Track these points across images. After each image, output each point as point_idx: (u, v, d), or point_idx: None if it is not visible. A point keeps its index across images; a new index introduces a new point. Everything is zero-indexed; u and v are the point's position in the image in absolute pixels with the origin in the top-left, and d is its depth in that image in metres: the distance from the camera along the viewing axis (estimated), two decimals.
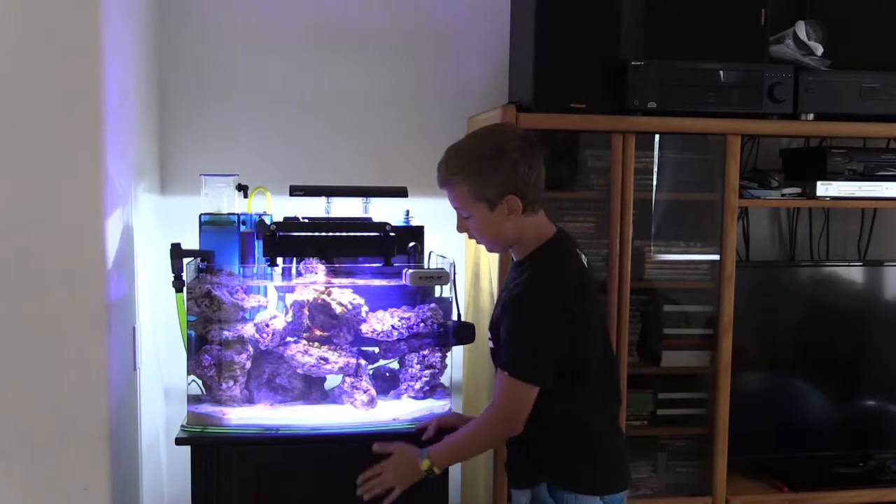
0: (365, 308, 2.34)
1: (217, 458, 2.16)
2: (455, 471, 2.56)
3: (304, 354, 2.27)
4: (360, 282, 2.34)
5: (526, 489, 1.98)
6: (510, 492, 2.12)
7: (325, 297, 2.28)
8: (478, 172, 1.91)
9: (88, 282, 2.07)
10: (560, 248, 1.99)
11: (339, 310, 2.28)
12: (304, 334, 2.30)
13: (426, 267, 2.42)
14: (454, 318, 2.35)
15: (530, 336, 1.89)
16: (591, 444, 1.97)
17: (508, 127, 2.07)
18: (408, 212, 2.51)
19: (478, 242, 2.04)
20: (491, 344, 2.02)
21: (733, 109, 2.49)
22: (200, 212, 2.37)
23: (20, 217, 2.04)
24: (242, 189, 2.43)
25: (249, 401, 2.29)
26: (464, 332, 2.33)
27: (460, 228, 2.02)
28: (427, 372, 2.34)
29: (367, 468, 2.04)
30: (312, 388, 2.36)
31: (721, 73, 2.47)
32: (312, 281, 2.31)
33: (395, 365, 2.44)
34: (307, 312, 2.30)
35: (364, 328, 2.32)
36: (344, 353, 2.29)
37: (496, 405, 1.93)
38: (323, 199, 2.53)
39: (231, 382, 2.24)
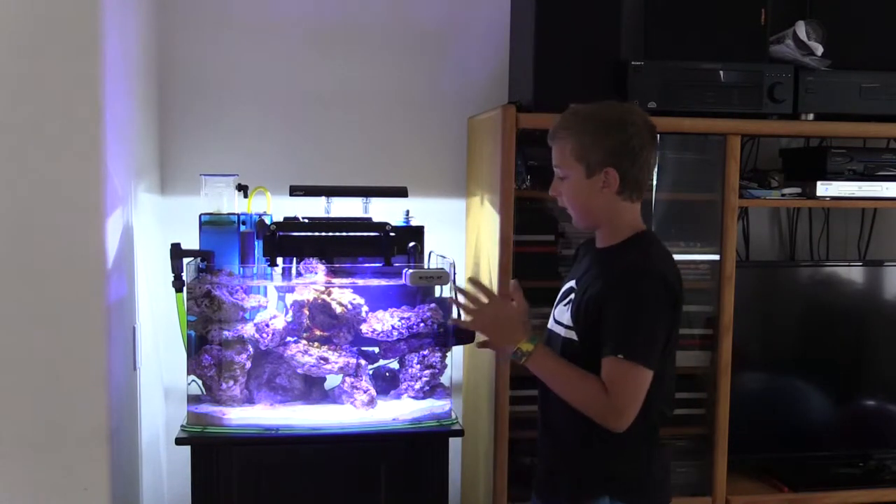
0: (365, 308, 2.34)
1: (217, 458, 2.17)
2: (455, 471, 2.56)
3: (304, 354, 2.27)
4: (360, 282, 2.34)
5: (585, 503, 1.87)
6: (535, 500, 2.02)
7: (325, 297, 2.28)
8: (588, 132, 1.83)
9: (88, 282, 2.07)
10: (660, 242, 1.93)
11: (339, 310, 2.28)
12: (304, 334, 2.30)
13: (426, 267, 2.42)
14: (454, 318, 2.35)
15: (645, 314, 1.78)
16: (655, 455, 1.88)
17: (636, 108, 1.94)
18: (408, 212, 2.51)
19: (567, 210, 1.93)
20: (564, 332, 1.89)
21: (733, 109, 2.49)
22: (200, 212, 2.37)
23: (20, 217, 2.04)
24: (242, 189, 2.44)
25: (249, 401, 2.29)
26: (464, 332, 2.33)
27: (553, 190, 1.93)
28: (427, 372, 2.34)
29: (366, 468, 2.03)
30: (312, 388, 2.36)
31: (721, 73, 2.47)
32: (312, 281, 2.31)
33: (395, 365, 2.44)
34: (307, 312, 2.30)
35: (364, 328, 2.32)
36: (344, 353, 2.29)
37: (614, 394, 1.75)
38: (323, 199, 2.53)
39: (231, 382, 2.24)
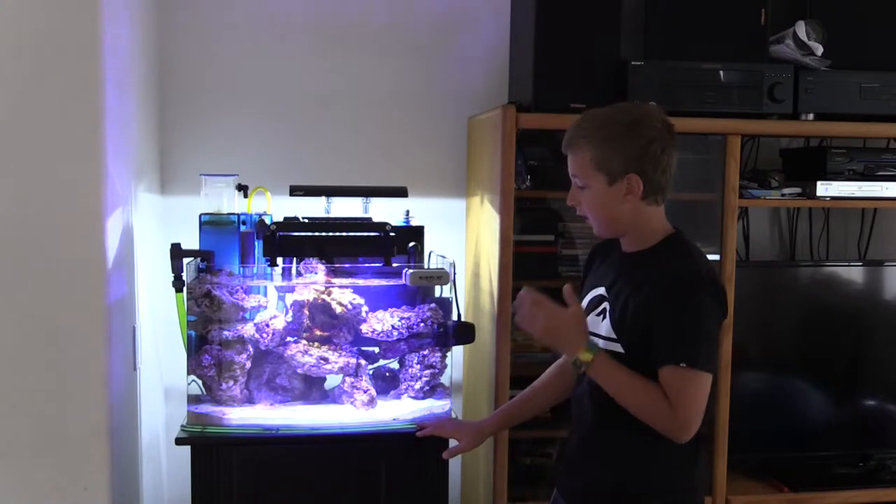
0: (365, 308, 2.34)
1: (217, 458, 2.16)
2: (455, 470, 2.56)
3: (304, 354, 2.27)
4: (360, 282, 2.34)
5: None
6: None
7: (325, 297, 2.28)
8: (606, 139, 1.75)
9: (88, 282, 2.07)
10: (693, 242, 1.85)
11: (339, 310, 2.28)
12: (304, 334, 2.30)
13: (426, 267, 2.42)
14: (454, 318, 2.35)
15: (702, 318, 1.70)
16: (699, 460, 1.83)
17: (652, 108, 1.85)
18: (408, 212, 2.51)
19: (588, 220, 1.86)
20: (604, 344, 1.79)
21: (733, 109, 2.49)
22: (200, 212, 2.37)
23: (20, 217, 2.04)
24: (242, 189, 2.44)
25: (249, 401, 2.29)
26: (464, 332, 2.33)
27: (571, 200, 1.85)
28: (427, 372, 2.34)
29: (366, 468, 2.03)
30: (312, 388, 2.36)
31: (721, 73, 2.47)
32: (312, 281, 2.30)
33: (395, 365, 2.44)
34: (307, 312, 2.30)
35: (364, 328, 2.32)
36: (344, 353, 2.29)
37: (679, 405, 1.68)
38: (323, 199, 2.53)
39: (231, 382, 2.24)
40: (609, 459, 1.84)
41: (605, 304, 1.84)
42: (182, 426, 2.21)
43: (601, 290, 1.87)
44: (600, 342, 1.81)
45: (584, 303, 1.90)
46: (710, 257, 2.58)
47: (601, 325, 1.83)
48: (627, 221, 1.81)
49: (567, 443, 2.00)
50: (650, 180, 1.76)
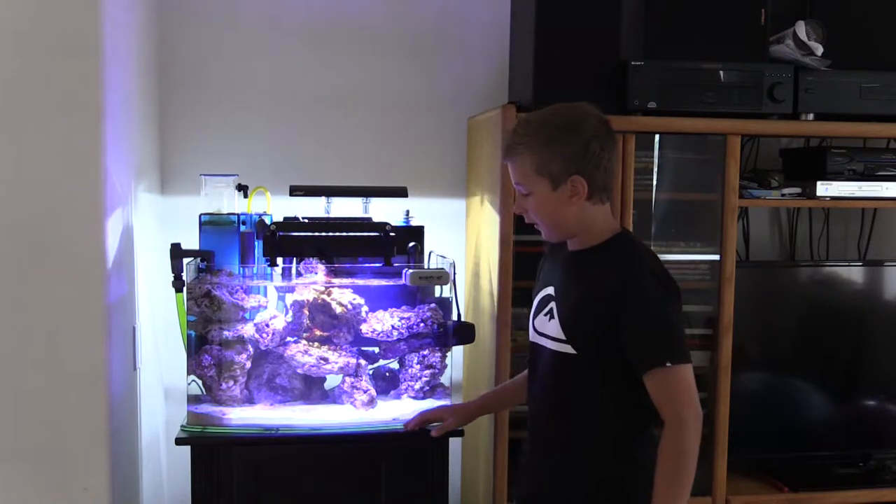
0: (365, 308, 2.34)
1: (217, 458, 2.16)
2: (455, 470, 2.56)
3: (304, 354, 2.27)
4: (360, 282, 2.34)
5: None
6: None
7: (325, 297, 2.28)
8: (545, 143, 1.74)
9: (88, 282, 2.07)
10: (639, 239, 1.87)
11: (339, 310, 2.28)
12: (304, 334, 2.30)
13: (426, 267, 2.42)
14: (454, 318, 2.35)
15: (670, 313, 1.74)
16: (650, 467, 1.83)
17: (588, 106, 1.82)
18: (408, 212, 2.51)
19: (536, 226, 1.86)
20: (554, 345, 1.81)
21: (733, 109, 2.49)
22: (200, 212, 2.37)
23: (20, 217, 2.04)
24: (242, 189, 2.44)
25: (249, 401, 2.29)
26: (464, 332, 2.33)
27: (518, 208, 1.84)
28: (427, 372, 2.34)
29: (366, 468, 2.03)
30: (312, 388, 2.36)
31: (721, 73, 2.47)
32: (312, 281, 2.31)
33: (395, 365, 2.44)
34: (307, 312, 2.30)
35: (364, 328, 2.32)
36: (344, 353, 2.29)
37: (682, 405, 1.70)
38: (323, 199, 2.53)
39: (231, 382, 2.24)
40: (571, 457, 1.85)
41: (552, 305, 1.85)
42: (182, 426, 2.21)
43: (550, 290, 1.88)
44: (549, 343, 1.83)
45: (535, 303, 1.92)
46: (711, 257, 2.60)
47: (548, 326, 1.84)
48: (575, 224, 1.81)
49: (526, 448, 2.01)
50: (593, 180, 1.76)
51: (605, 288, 1.75)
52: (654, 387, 1.72)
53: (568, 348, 1.79)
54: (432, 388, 2.36)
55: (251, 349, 2.29)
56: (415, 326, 2.32)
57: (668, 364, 1.70)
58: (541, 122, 1.79)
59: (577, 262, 1.85)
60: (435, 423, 2.17)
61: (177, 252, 2.26)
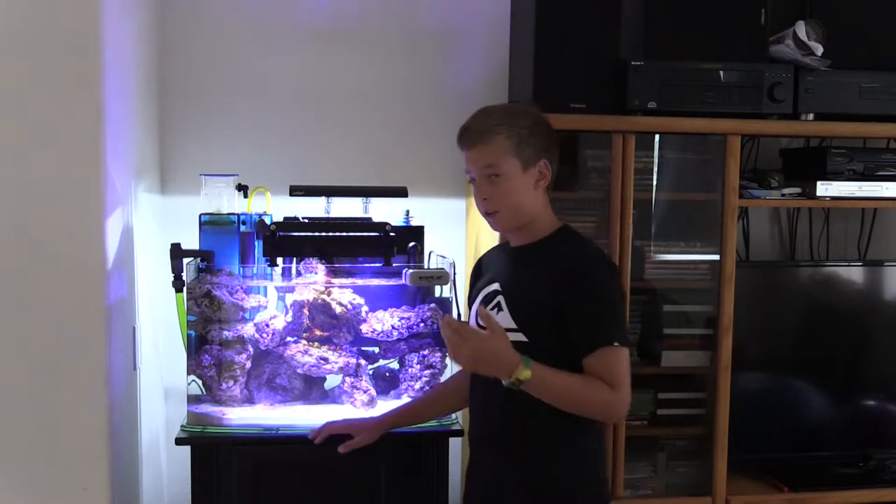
0: (365, 308, 2.34)
1: (217, 458, 2.17)
2: (455, 470, 2.56)
3: (304, 354, 2.27)
4: (360, 282, 2.34)
5: None
6: None
7: (325, 297, 2.28)
8: (521, 127, 1.85)
9: (88, 282, 2.07)
10: (581, 234, 1.97)
11: (339, 310, 2.28)
12: (304, 334, 2.31)
13: (426, 267, 2.42)
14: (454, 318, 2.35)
15: (617, 300, 1.83)
16: (600, 464, 1.92)
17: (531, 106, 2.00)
18: (408, 212, 2.51)
19: (490, 216, 1.89)
20: (509, 336, 1.77)
21: (733, 109, 2.49)
22: (200, 212, 2.37)
23: (20, 217, 2.04)
24: (242, 189, 2.44)
25: (249, 401, 2.29)
26: None
27: (484, 193, 1.87)
28: (427, 372, 2.34)
29: (366, 468, 2.02)
30: (312, 388, 2.36)
31: (721, 73, 2.47)
32: (312, 281, 2.31)
33: (395, 365, 2.44)
34: (307, 312, 2.30)
35: (364, 328, 2.33)
36: (344, 353, 2.29)
37: (620, 384, 1.76)
38: (323, 199, 2.53)
39: (231, 382, 2.24)
40: (523, 458, 1.87)
41: (500, 298, 1.90)
42: (182, 426, 2.21)
43: (495, 286, 1.93)
44: None
45: (478, 300, 1.96)
46: (711, 257, 2.61)
47: (497, 318, 1.85)
48: (532, 211, 1.89)
49: (475, 452, 2.01)
50: (551, 168, 1.89)
51: (556, 274, 1.83)
52: (595, 364, 1.77)
53: (519, 336, 1.83)
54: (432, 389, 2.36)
55: (251, 349, 2.29)
56: (415, 326, 2.32)
57: (616, 344, 1.78)
58: (511, 110, 1.93)
59: (524, 256, 1.92)
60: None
61: (177, 252, 2.26)
